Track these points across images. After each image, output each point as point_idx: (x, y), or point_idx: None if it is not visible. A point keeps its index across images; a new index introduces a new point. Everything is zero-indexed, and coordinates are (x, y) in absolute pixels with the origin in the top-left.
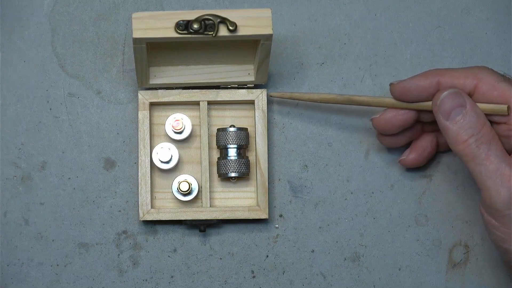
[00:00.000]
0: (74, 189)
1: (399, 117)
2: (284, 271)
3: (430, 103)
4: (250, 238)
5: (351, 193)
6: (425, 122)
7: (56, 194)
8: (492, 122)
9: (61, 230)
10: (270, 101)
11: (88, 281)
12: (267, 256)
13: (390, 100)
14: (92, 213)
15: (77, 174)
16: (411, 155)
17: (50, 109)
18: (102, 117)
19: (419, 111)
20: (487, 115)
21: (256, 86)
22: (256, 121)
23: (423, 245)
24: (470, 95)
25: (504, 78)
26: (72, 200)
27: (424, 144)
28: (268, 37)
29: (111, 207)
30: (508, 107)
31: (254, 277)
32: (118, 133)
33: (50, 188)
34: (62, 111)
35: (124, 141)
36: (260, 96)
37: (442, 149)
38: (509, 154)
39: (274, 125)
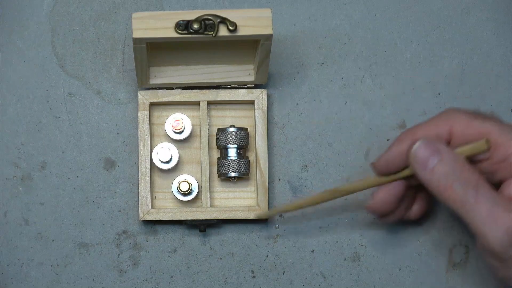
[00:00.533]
0: (74, 189)
1: (391, 193)
2: (284, 271)
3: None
4: (250, 238)
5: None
6: (418, 185)
7: (56, 194)
8: (475, 162)
9: (61, 230)
10: (270, 101)
11: (88, 281)
12: (267, 256)
13: (374, 178)
14: (92, 213)
15: (77, 174)
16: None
17: (50, 109)
18: (102, 117)
19: (406, 178)
20: (470, 156)
21: (256, 86)
22: (256, 121)
23: (423, 245)
24: (448, 141)
25: (476, 115)
26: (72, 200)
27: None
28: (268, 37)
29: (111, 207)
30: (487, 140)
31: (254, 277)
32: (118, 133)
33: (50, 188)
34: (62, 111)
35: (124, 141)
36: (260, 96)
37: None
38: (498, 187)
39: (274, 125)
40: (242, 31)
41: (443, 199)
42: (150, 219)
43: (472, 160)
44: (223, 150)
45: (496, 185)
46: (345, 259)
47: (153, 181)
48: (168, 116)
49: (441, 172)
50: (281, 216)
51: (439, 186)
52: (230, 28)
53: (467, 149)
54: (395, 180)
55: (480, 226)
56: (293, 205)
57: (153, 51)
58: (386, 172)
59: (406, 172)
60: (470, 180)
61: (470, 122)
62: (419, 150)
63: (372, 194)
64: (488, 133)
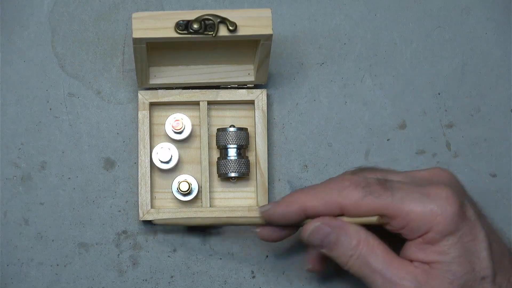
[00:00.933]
0: (74, 189)
1: (279, 231)
2: (284, 271)
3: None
4: (250, 238)
5: None
6: None
7: (56, 194)
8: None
9: (61, 230)
10: (270, 101)
11: (88, 281)
12: (267, 256)
13: (261, 221)
14: (92, 213)
15: (77, 174)
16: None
17: (50, 109)
18: (102, 117)
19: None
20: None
21: (256, 86)
22: (256, 121)
23: None
24: (341, 214)
25: (366, 190)
26: (72, 200)
27: None
28: (268, 37)
29: (111, 207)
30: (378, 218)
31: (254, 277)
32: (118, 133)
33: (50, 188)
34: (62, 111)
35: (124, 141)
36: (260, 96)
37: None
38: (411, 239)
39: (274, 125)
40: (242, 31)
41: (349, 272)
42: (150, 219)
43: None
44: (223, 150)
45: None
46: None
47: (153, 181)
48: (168, 116)
49: (337, 250)
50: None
51: (339, 261)
52: (230, 28)
53: (361, 221)
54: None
55: None
56: (188, 220)
57: (153, 51)
58: (272, 223)
59: (293, 229)
60: (364, 254)
61: (361, 201)
62: (312, 237)
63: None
64: (381, 209)
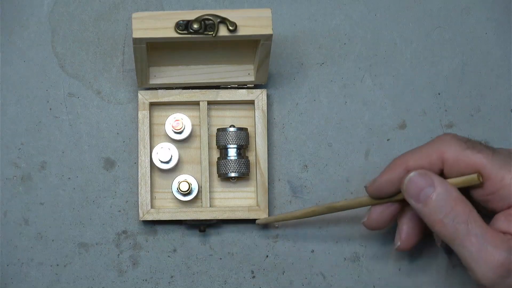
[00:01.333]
0: (74, 189)
1: (386, 211)
2: (284, 271)
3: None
4: (250, 238)
5: (351, 193)
6: None
7: (56, 194)
8: (469, 189)
9: (61, 230)
10: (270, 101)
11: (88, 281)
12: (267, 256)
13: (367, 199)
14: (92, 213)
15: (77, 174)
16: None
17: (50, 109)
18: (102, 117)
19: (399, 201)
20: (462, 188)
21: (256, 86)
22: (256, 121)
23: (423, 245)
24: (440, 169)
25: (468, 144)
26: (72, 200)
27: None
28: (268, 37)
29: (111, 207)
30: (478, 175)
31: (254, 277)
32: (118, 133)
33: (50, 188)
34: (62, 111)
35: (124, 141)
36: (260, 96)
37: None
38: (491, 217)
39: (274, 125)
40: (242, 31)
41: (435, 231)
42: (150, 219)
43: (466, 187)
44: (223, 150)
45: (490, 215)
46: (345, 259)
47: (153, 181)
48: (168, 116)
49: (433, 205)
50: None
51: (431, 218)
52: (230, 28)
53: (459, 181)
54: (388, 202)
55: (470, 263)
56: (290, 215)
57: (153, 51)
58: (378, 197)
59: (399, 197)
60: (461, 214)
61: (462, 152)
62: (412, 183)
63: (369, 209)
64: (479, 164)
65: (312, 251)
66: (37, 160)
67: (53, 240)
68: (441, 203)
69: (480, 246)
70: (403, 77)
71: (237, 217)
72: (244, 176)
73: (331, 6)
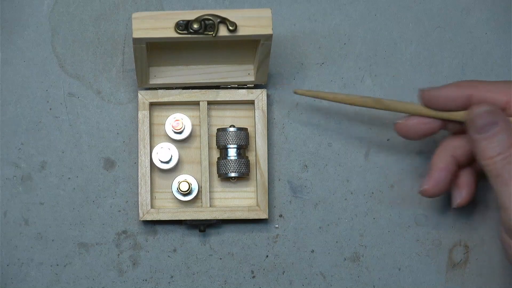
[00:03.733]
0: (74, 189)
1: (423, 125)
2: (284, 271)
3: (460, 113)
4: (250, 238)
5: (351, 193)
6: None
7: (56, 194)
8: None
9: (61, 230)
10: (270, 101)
11: (88, 281)
12: (267, 256)
13: (419, 107)
14: (92, 213)
15: (77, 174)
16: (464, 195)
17: (50, 109)
18: (102, 117)
19: (446, 121)
20: None
21: (256, 86)
22: (256, 121)
23: (423, 245)
24: (502, 109)
25: None
26: (72, 200)
27: (468, 180)
28: (268, 37)
29: (111, 207)
30: None
31: (254, 277)
32: (118, 133)
33: (50, 188)
34: (62, 111)
35: (124, 141)
36: (260, 96)
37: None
38: None
39: (274, 125)
40: (242, 31)
41: (482, 165)
42: (150, 219)
43: None
44: (223, 150)
45: None
46: (345, 259)
47: (153, 181)
48: (168, 116)
49: (490, 141)
50: (281, 216)
51: (484, 151)
52: (230, 28)
53: None
54: (438, 118)
55: (506, 201)
56: (332, 95)
57: (153, 51)
58: (431, 105)
59: (455, 116)
60: None
61: None
62: (482, 116)
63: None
64: None
65: (312, 251)
66: (37, 160)
67: (53, 240)
68: (498, 142)
69: None
70: (403, 77)
71: (237, 217)
72: (244, 176)
73: (331, 6)
